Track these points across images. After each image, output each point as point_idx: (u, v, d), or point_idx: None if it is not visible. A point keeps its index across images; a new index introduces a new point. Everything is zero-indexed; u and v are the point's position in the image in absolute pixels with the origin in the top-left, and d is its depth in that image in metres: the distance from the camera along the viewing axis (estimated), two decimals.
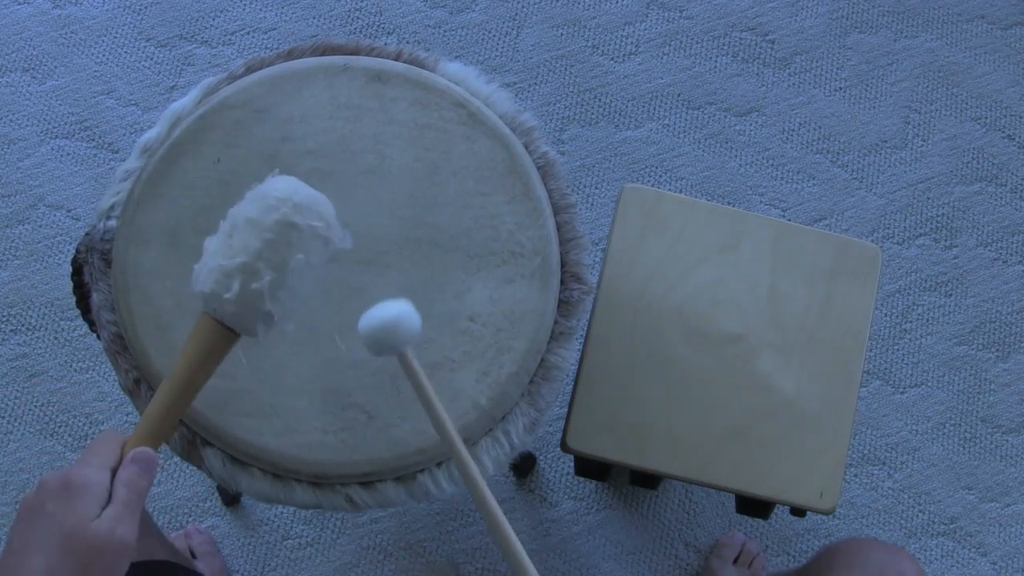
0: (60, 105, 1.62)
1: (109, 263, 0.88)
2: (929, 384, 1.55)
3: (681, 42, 1.69)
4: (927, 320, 1.57)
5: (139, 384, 0.87)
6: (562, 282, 0.90)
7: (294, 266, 0.70)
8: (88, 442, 1.49)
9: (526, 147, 0.91)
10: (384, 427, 0.85)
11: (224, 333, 0.71)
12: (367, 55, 0.93)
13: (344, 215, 0.88)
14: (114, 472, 0.67)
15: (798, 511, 1.11)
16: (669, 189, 1.61)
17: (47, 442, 1.49)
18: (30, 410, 1.50)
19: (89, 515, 0.64)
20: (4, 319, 1.53)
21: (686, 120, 1.65)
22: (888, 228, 1.61)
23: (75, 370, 1.51)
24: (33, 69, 1.64)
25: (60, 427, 1.49)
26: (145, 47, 1.66)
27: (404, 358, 0.71)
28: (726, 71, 1.67)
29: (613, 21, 1.69)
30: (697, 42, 1.69)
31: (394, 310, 0.69)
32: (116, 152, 1.61)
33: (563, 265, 0.90)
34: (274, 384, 0.85)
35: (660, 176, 1.62)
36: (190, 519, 1.46)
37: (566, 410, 1.08)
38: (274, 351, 0.86)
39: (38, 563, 0.63)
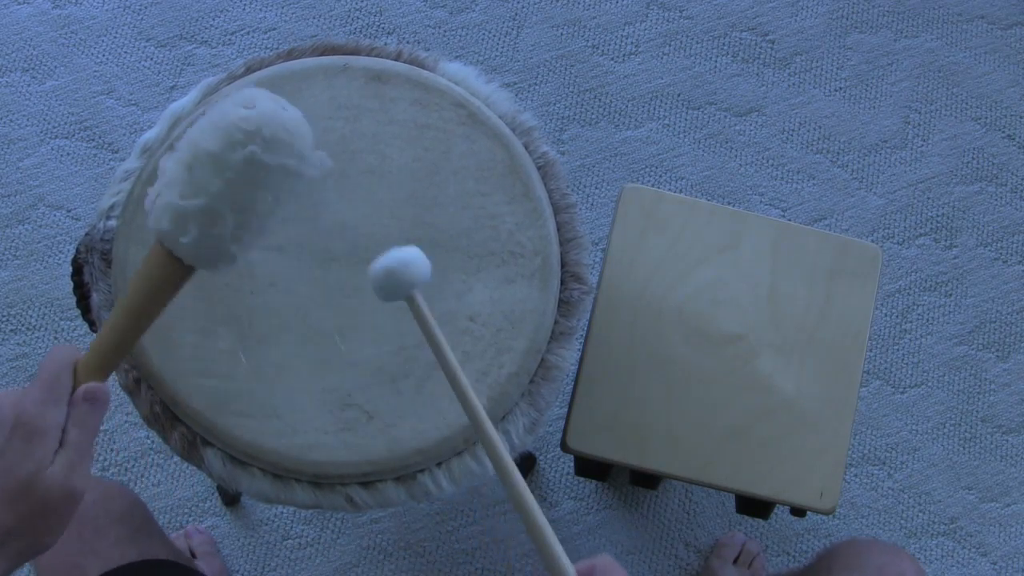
0: (60, 105, 1.62)
1: (109, 263, 0.88)
2: (929, 384, 1.55)
3: (681, 42, 1.69)
4: (927, 320, 1.57)
5: (139, 384, 0.87)
6: (562, 282, 0.90)
7: (260, 208, 0.64)
8: None
9: (526, 147, 0.91)
10: (384, 427, 0.85)
11: (180, 265, 0.66)
12: (367, 55, 0.93)
13: (344, 215, 0.88)
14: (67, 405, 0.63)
15: (798, 511, 1.11)
16: (669, 189, 1.61)
17: None
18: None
19: (43, 462, 0.61)
20: (4, 319, 1.53)
21: (686, 120, 1.65)
22: (888, 228, 1.61)
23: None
24: (33, 69, 1.64)
25: None
26: (145, 47, 1.66)
27: (412, 301, 0.68)
28: (726, 71, 1.67)
29: (613, 21, 1.69)
30: (697, 42, 1.69)
31: (402, 253, 0.68)
32: (116, 152, 1.61)
33: (563, 265, 0.90)
34: (274, 384, 0.85)
35: (660, 176, 1.62)
36: (190, 519, 1.46)
37: (566, 410, 1.08)
38: (274, 351, 0.86)
39: None
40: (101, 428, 1.49)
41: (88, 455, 0.63)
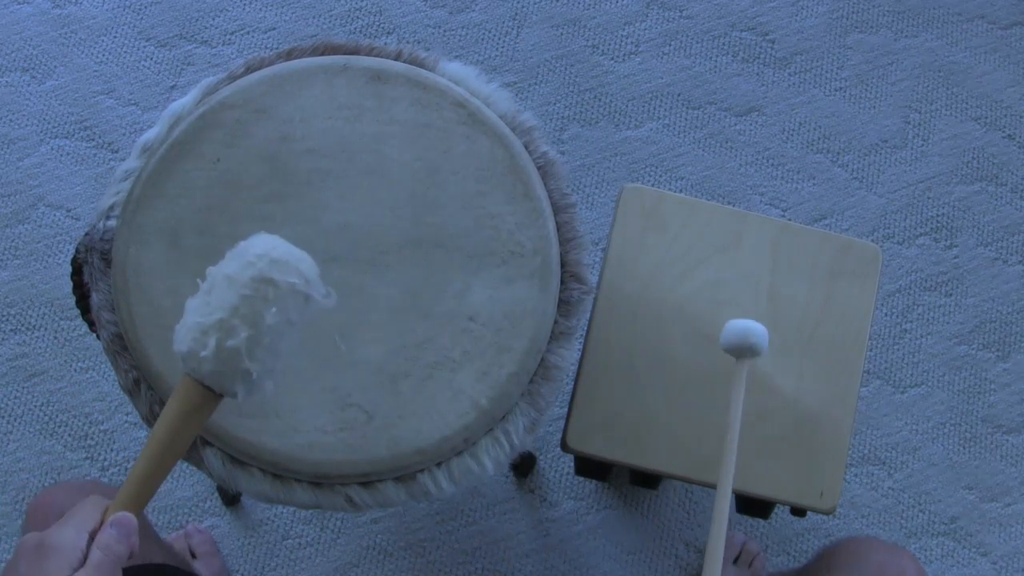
0: (60, 105, 1.62)
1: (109, 263, 0.88)
2: (929, 384, 1.55)
3: (681, 42, 1.69)
4: (927, 320, 1.57)
5: (139, 384, 0.87)
6: (562, 282, 0.90)
7: (271, 322, 0.68)
8: (88, 442, 1.49)
9: (526, 147, 0.91)
10: (384, 427, 0.85)
11: (205, 394, 0.70)
12: (367, 55, 0.93)
13: (344, 215, 0.88)
14: (92, 536, 0.66)
15: (798, 511, 1.11)
16: (669, 189, 1.61)
17: (47, 442, 1.49)
18: (30, 410, 1.50)
19: (60, 575, 0.63)
20: (4, 319, 1.53)
21: (686, 120, 1.65)
22: (888, 228, 1.61)
23: (75, 370, 1.51)
24: (33, 69, 1.64)
25: (60, 427, 1.49)
26: (145, 47, 1.66)
27: (741, 366, 0.93)
28: (726, 71, 1.67)
29: (613, 21, 1.69)
30: (697, 42, 1.69)
31: (753, 325, 0.94)
32: (116, 152, 1.61)
33: (563, 265, 0.90)
34: (274, 384, 0.85)
35: (660, 176, 1.62)
36: (190, 519, 1.46)
37: (566, 410, 1.08)
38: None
39: None
40: (102, 427, 1.49)
41: (108, 573, 0.65)
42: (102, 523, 0.67)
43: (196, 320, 0.69)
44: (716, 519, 0.81)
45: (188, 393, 0.70)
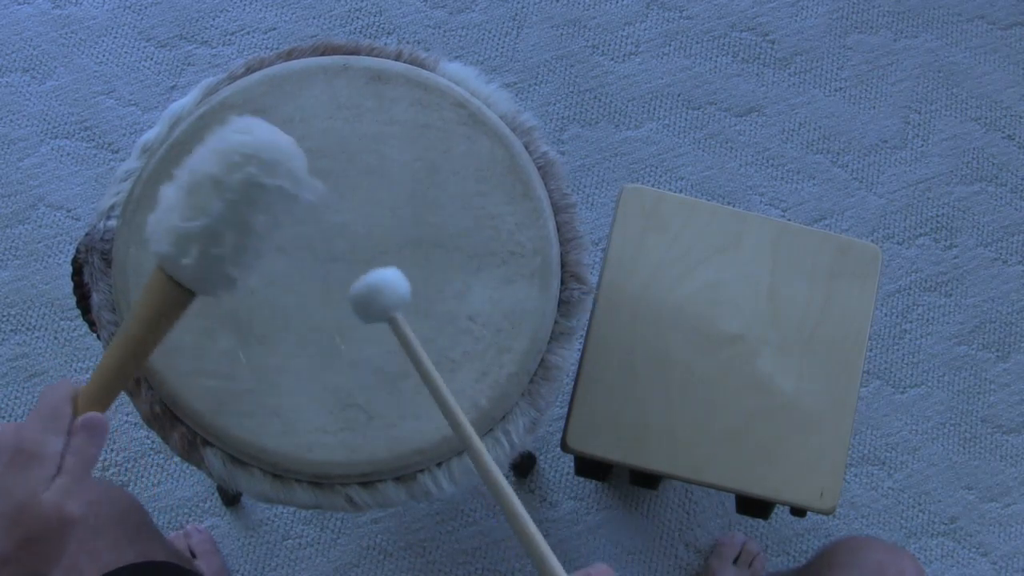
0: (60, 105, 1.62)
1: (109, 263, 0.88)
2: (929, 384, 1.55)
3: (681, 42, 1.69)
4: (927, 320, 1.57)
5: (139, 384, 0.87)
6: (562, 282, 0.90)
7: (259, 228, 0.65)
8: None
9: (526, 147, 0.91)
10: (384, 427, 0.85)
11: (181, 291, 0.67)
12: (367, 55, 0.93)
13: (344, 215, 0.88)
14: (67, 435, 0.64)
15: (798, 511, 1.11)
16: (669, 189, 1.61)
17: None
18: (30, 410, 1.50)
19: (39, 487, 0.62)
20: (4, 319, 1.53)
21: (686, 120, 1.65)
22: (888, 228, 1.61)
23: (75, 370, 1.51)
24: (33, 69, 1.64)
25: None
26: (145, 47, 1.66)
27: (394, 323, 0.69)
28: (726, 71, 1.67)
29: (613, 21, 1.69)
30: (697, 42, 1.69)
31: (379, 275, 0.68)
32: (116, 152, 1.61)
33: (563, 265, 0.90)
34: (274, 384, 0.85)
35: (660, 176, 1.62)
36: (190, 519, 1.46)
37: (566, 410, 1.08)
38: (274, 351, 0.86)
39: None
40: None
41: (84, 481, 0.63)
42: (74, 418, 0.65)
43: (177, 223, 0.64)
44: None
45: (163, 289, 0.66)
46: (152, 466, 1.47)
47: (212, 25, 1.67)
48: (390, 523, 1.47)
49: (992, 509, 1.50)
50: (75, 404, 0.66)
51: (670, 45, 1.68)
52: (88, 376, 1.49)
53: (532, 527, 0.63)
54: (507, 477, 1.48)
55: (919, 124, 1.66)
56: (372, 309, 0.68)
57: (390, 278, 0.68)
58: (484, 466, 0.66)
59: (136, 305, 0.67)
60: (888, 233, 1.61)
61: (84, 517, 0.63)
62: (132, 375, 0.69)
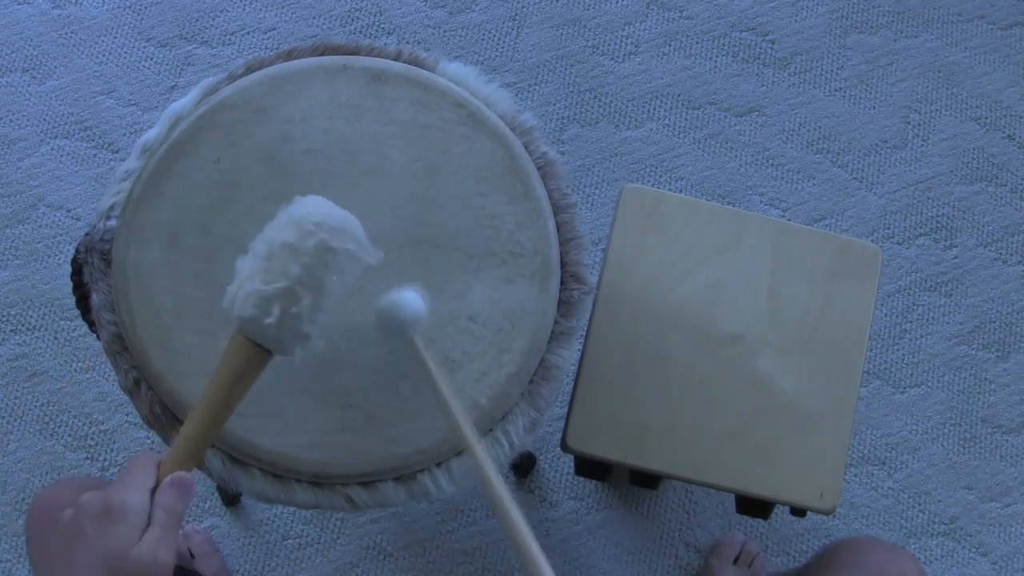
0: (60, 105, 1.62)
1: (109, 263, 0.88)
2: (929, 384, 1.55)
3: (681, 42, 1.69)
4: (927, 320, 1.57)
5: (139, 384, 0.87)
6: (562, 282, 0.90)
7: (330, 288, 0.72)
8: (88, 442, 1.49)
9: (526, 147, 0.91)
10: (384, 427, 0.85)
11: (259, 353, 0.72)
12: (367, 55, 0.93)
13: None
14: (151, 494, 0.68)
15: (798, 511, 1.11)
16: (669, 189, 1.61)
17: (47, 442, 1.49)
18: (30, 410, 1.50)
19: (131, 540, 0.65)
20: (4, 319, 1.53)
21: (686, 120, 1.65)
22: (888, 228, 1.61)
23: (75, 370, 1.51)
24: (33, 69, 1.64)
25: (60, 427, 1.49)
26: (145, 47, 1.66)
27: (413, 344, 0.78)
28: (726, 71, 1.67)
29: (613, 21, 1.69)
30: (697, 42, 1.69)
31: (399, 297, 0.79)
32: (116, 152, 1.61)
33: (563, 265, 0.90)
34: (274, 384, 0.85)
35: (660, 176, 1.62)
36: (190, 519, 1.46)
37: (566, 410, 1.08)
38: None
39: None
40: (102, 427, 1.49)
41: (174, 534, 0.68)
42: (157, 482, 0.69)
43: (258, 287, 0.71)
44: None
45: (243, 353, 0.72)
46: None
47: (212, 25, 1.67)
48: (390, 523, 1.47)
49: (992, 509, 1.50)
50: (158, 469, 0.70)
51: (670, 45, 1.68)
52: (88, 376, 1.49)
53: (526, 529, 0.68)
54: (507, 477, 1.48)
55: (919, 124, 1.66)
56: (391, 329, 0.79)
57: (404, 301, 0.79)
58: (493, 490, 0.72)
59: (218, 369, 0.72)
60: (888, 233, 1.61)
61: (172, 564, 0.67)
62: (213, 438, 0.74)
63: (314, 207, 0.74)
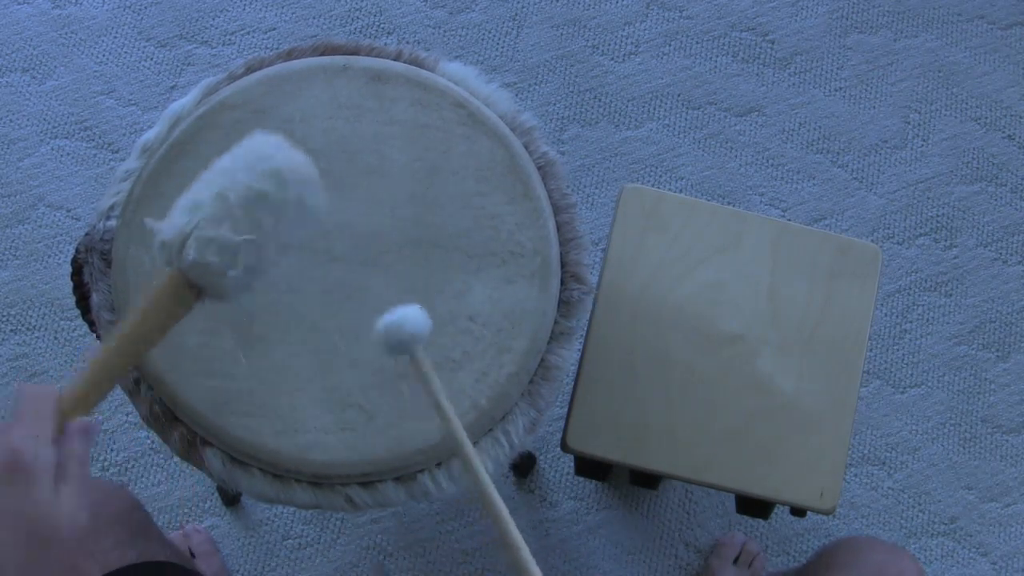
0: (60, 105, 1.62)
1: (109, 263, 0.89)
2: (929, 384, 1.55)
3: (681, 42, 1.69)
4: (927, 320, 1.57)
5: (139, 384, 0.87)
6: (562, 282, 0.90)
7: (294, 243, 0.68)
8: None
9: (526, 147, 0.91)
10: (384, 427, 0.85)
11: (193, 295, 0.67)
12: (367, 55, 0.93)
13: (344, 215, 0.88)
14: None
15: (798, 511, 1.11)
16: (669, 189, 1.61)
17: None
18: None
19: (48, 500, 0.61)
20: (4, 319, 1.53)
21: (686, 120, 1.65)
22: (888, 228, 1.61)
23: (75, 370, 1.51)
24: (33, 69, 1.64)
25: None
26: (145, 47, 1.66)
27: (414, 360, 0.72)
28: (726, 71, 1.67)
29: (613, 21, 1.69)
30: (697, 42, 1.69)
31: (401, 313, 0.72)
32: (116, 152, 1.61)
33: (563, 265, 0.90)
34: (274, 384, 0.85)
35: (660, 176, 1.62)
36: (190, 519, 1.46)
37: (566, 410, 1.08)
38: (274, 351, 0.86)
39: (9, 556, 0.60)
40: (102, 427, 1.49)
41: (86, 484, 0.64)
42: (61, 419, 0.64)
43: (227, 235, 0.65)
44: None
45: (179, 292, 0.67)
46: (152, 466, 1.47)
47: (212, 25, 1.67)
48: (390, 523, 1.47)
49: (992, 509, 1.50)
50: (59, 405, 0.65)
51: (670, 45, 1.68)
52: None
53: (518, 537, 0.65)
54: (507, 477, 1.48)
55: (919, 124, 1.66)
56: (393, 346, 0.73)
57: (407, 317, 0.73)
58: (491, 504, 0.68)
59: (142, 305, 0.67)
60: (888, 233, 1.61)
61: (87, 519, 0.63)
62: (123, 376, 0.70)
63: (278, 150, 0.68)
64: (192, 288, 0.67)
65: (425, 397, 0.72)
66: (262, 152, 0.68)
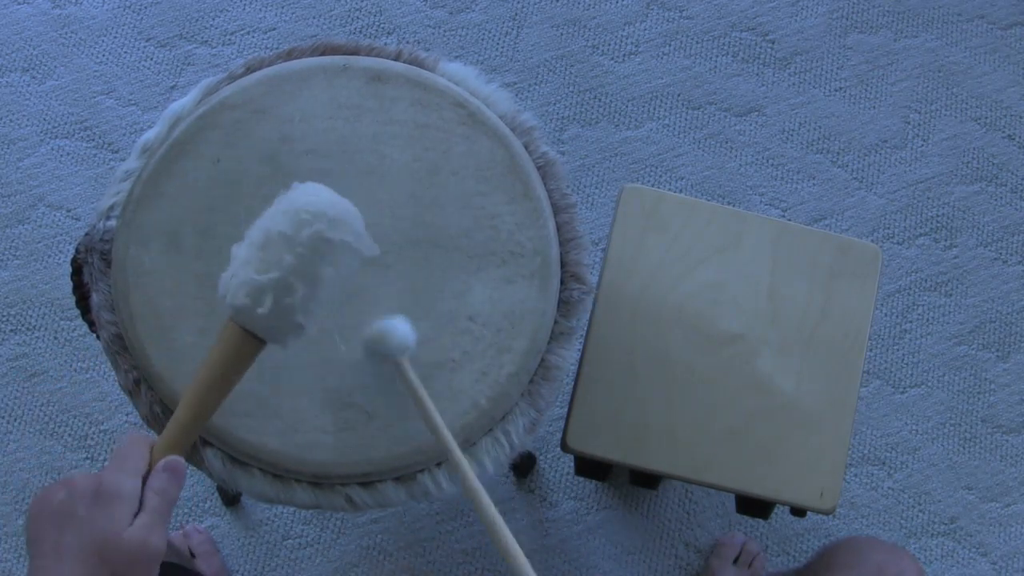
0: (60, 105, 1.62)
1: (109, 263, 0.88)
2: (929, 384, 1.55)
3: (681, 42, 1.69)
4: (927, 320, 1.57)
5: (139, 384, 0.87)
6: (562, 282, 0.90)
7: (325, 279, 0.71)
8: (88, 442, 1.49)
9: (526, 147, 0.91)
10: (384, 427, 0.85)
11: (252, 342, 0.71)
12: (367, 55, 0.93)
13: None
14: (143, 479, 0.68)
15: (798, 511, 1.11)
16: (669, 189, 1.61)
17: (47, 442, 1.49)
18: (30, 410, 1.50)
19: (123, 524, 0.65)
20: (4, 319, 1.53)
21: (686, 120, 1.65)
22: (888, 228, 1.61)
23: (75, 370, 1.51)
24: (33, 69, 1.64)
25: (60, 427, 1.49)
26: (145, 47, 1.66)
27: (399, 367, 0.79)
28: (726, 71, 1.67)
29: (613, 21, 1.69)
30: (697, 42, 1.69)
31: (387, 325, 0.80)
32: (116, 152, 1.61)
33: (563, 265, 0.90)
34: (274, 384, 0.85)
35: (660, 176, 1.62)
36: (190, 519, 1.46)
37: (566, 410, 1.08)
38: (274, 351, 0.86)
39: (73, 571, 0.64)
40: (102, 427, 1.49)
41: (166, 519, 0.68)
42: (150, 467, 0.69)
43: (252, 276, 0.69)
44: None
45: (235, 340, 0.71)
46: None
47: (212, 25, 1.67)
48: (390, 523, 1.47)
49: (992, 509, 1.50)
50: (151, 453, 0.70)
51: (670, 45, 1.68)
52: (88, 376, 1.49)
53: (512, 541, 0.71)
54: (507, 477, 1.48)
55: (919, 124, 1.66)
56: (378, 354, 0.81)
57: (392, 328, 0.81)
58: (475, 496, 0.73)
59: (209, 355, 0.72)
60: (888, 233, 1.61)
61: (163, 550, 0.67)
62: (203, 424, 0.73)
63: (312, 195, 0.72)
64: (247, 333, 0.71)
65: (415, 407, 0.76)
66: (293, 198, 0.72)
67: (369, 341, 0.81)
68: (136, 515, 0.66)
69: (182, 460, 0.70)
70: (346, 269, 0.73)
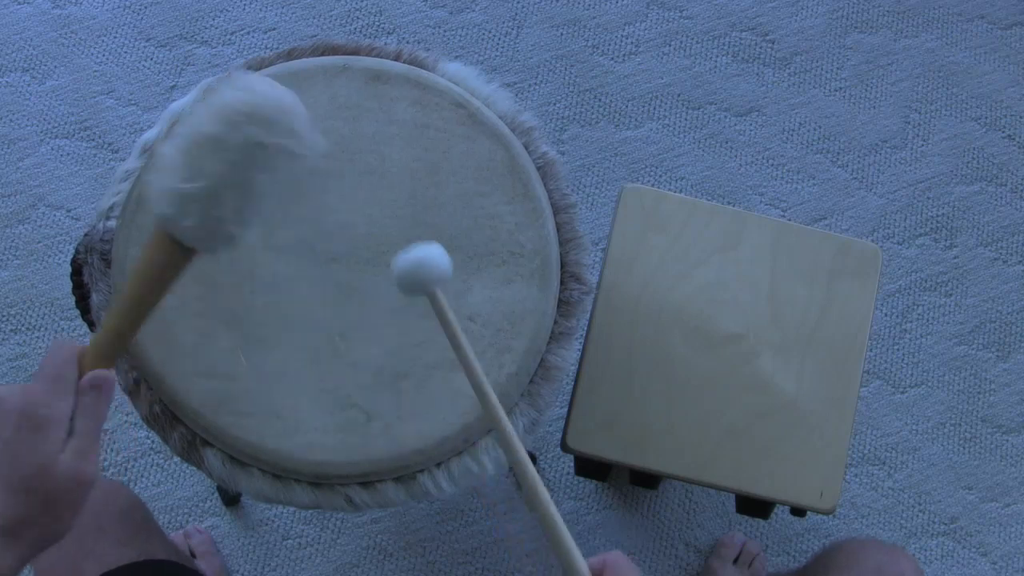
0: (60, 105, 1.62)
1: (109, 263, 0.88)
2: (929, 384, 1.55)
3: (681, 42, 1.69)
4: (927, 320, 1.57)
5: (139, 384, 0.87)
6: (562, 282, 0.90)
7: (260, 188, 0.65)
8: None
9: (526, 147, 0.91)
10: (384, 427, 0.85)
11: (182, 250, 0.66)
12: (367, 55, 0.93)
13: (344, 215, 0.88)
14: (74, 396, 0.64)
15: (798, 511, 1.11)
16: (669, 189, 1.61)
17: None
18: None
19: (54, 451, 0.61)
20: (4, 319, 1.53)
21: (686, 120, 1.65)
22: (888, 228, 1.61)
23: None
24: (33, 69, 1.64)
25: None
26: (145, 47, 1.66)
27: (434, 298, 0.70)
28: (726, 71, 1.67)
29: (613, 21, 1.69)
30: (697, 42, 1.69)
31: (425, 251, 0.69)
32: (116, 152, 1.61)
33: (563, 265, 0.90)
34: (274, 384, 0.85)
35: (660, 176, 1.62)
36: (190, 519, 1.46)
37: (566, 410, 1.08)
38: (274, 352, 0.86)
39: None
40: (102, 429, 1.49)
41: (97, 442, 0.63)
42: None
43: (177, 184, 0.63)
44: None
45: (164, 248, 0.66)
46: (152, 466, 1.47)
47: (212, 25, 1.67)
48: (390, 523, 1.47)
49: (992, 509, 1.50)
50: (80, 364, 0.65)
51: (670, 45, 1.68)
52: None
53: (555, 512, 0.64)
54: (507, 477, 1.48)
55: (919, 124, 1.66)
56: (416, 282, 0.69)
57: (436, 254, 0.69)
58: (512, 447, 0.66)
59: (136, 263, 0.67)
60: (888, 233, 1.61)
61: (97, 477, 0.63)
62: (134, 334, 0.69)
63: (246, 90, 0.64)
64: (175, 243, 0.66)
65: (448, 340, 0.69)
66: (225, 94, 0.64)
67: (402, 272, 0.69)
68: (66, 440, 0.62)
69: (111, 373, 0.65)
70: (284, 173, 0.65)
